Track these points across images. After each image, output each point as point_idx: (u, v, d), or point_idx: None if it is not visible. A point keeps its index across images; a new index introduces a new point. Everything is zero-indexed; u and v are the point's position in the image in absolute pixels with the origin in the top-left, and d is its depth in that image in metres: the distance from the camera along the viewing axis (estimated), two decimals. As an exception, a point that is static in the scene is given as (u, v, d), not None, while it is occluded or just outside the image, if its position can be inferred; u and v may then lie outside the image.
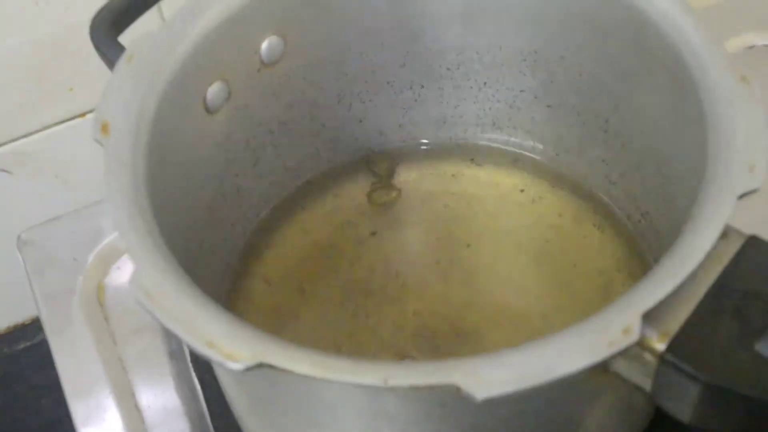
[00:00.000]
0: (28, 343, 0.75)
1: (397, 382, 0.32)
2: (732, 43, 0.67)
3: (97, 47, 0.47)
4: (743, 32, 0.68)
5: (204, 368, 0.55)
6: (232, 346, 0.34)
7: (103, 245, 0.60)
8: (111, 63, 0.46)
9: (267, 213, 0.54)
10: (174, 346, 0.56)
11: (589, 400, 0.40)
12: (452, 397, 0.35)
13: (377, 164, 0.56)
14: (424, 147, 0.57)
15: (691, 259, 0.34)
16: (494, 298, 0.51)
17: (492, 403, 0.32)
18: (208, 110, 0.47)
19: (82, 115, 0.68)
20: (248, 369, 0.33)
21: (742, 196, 0.36)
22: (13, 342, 0.75)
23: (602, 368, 0.36)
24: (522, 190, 0.55)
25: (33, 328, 0.75)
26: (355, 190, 0.56)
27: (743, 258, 0.36)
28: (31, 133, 0.67)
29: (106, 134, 0.40)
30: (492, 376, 0.32)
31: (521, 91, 0.54)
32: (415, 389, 0.32)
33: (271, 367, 0.33)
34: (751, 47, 0.67)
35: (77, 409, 0.54)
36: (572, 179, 0.54)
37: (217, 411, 0.53)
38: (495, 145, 0.56)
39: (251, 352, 0.33)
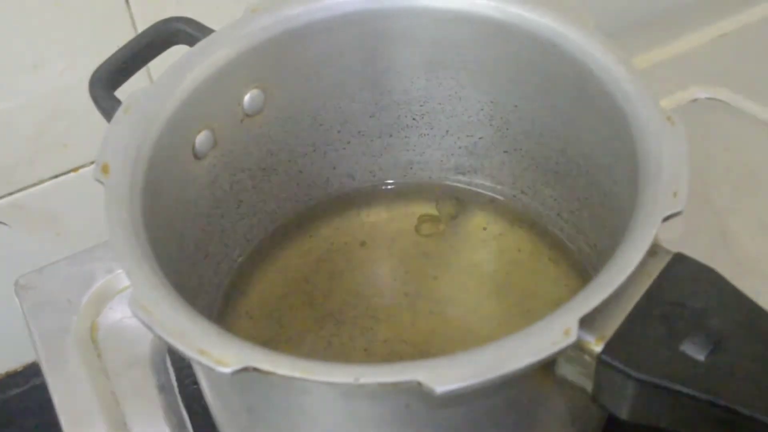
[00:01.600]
0: (20, 390, 0.77)
1: (366, 379, 0.36)
2: (677, 96, 0.72)
3: (95, 100, 0.51)
4: (688, 86, 0.73)
5: (191, 399, 0.58)
6: (221, 353, 0.37)
7: (95, 287, 0.63)
8: (107, 114, 0.50)
9: (249, 251, 0.57)
10: (163, 379, 0.59)
11: (542, 404, 0.43)
12: (417, 398, 0.39)
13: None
14: (393, 190, 0.61)
15: (622, 272, 0.39)
16: (459, 327, 0.55)
17: (451, 399, 0.37)
18: (197, 156, 0.51)
19: (76, 170, 0.70)
20: (235, 372, 0.37)
21: (667, 218, 0.41)
22: (5, 388, 0.77)
23: (550, 372, 0.41)
24: (484, 228, 0.58)
25: (25, 374, 0.77)
26: (328, 230, 0.59)
27: (670, 272, 0.40)
28: (27, 187, 0.69)
29: (106, 174, 0.45)
30: (449, 373, 0.36)
31: (480, 138, 0.58)
32: (383, 386, 0.37)
33: (255, 369, 0.37)
34: (695, 100, 0.72)
35: (73, 441, 0.56)
36: (529, 217, 0.58)
37: (205, 439, 0.56)
38: (458, 186, 0.60)
39: (238, 358, 0.37)
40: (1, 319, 0.71)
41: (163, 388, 0.59)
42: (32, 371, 0.75)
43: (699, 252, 0.60)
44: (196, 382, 0.58)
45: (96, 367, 0.60)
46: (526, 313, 0.55)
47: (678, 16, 0.79)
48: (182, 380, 0.59)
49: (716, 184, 0.66)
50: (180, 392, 0.59)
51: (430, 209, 0.60)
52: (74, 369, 0.60)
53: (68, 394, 0.59)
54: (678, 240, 0.59)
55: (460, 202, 0.60)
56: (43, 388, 0.59)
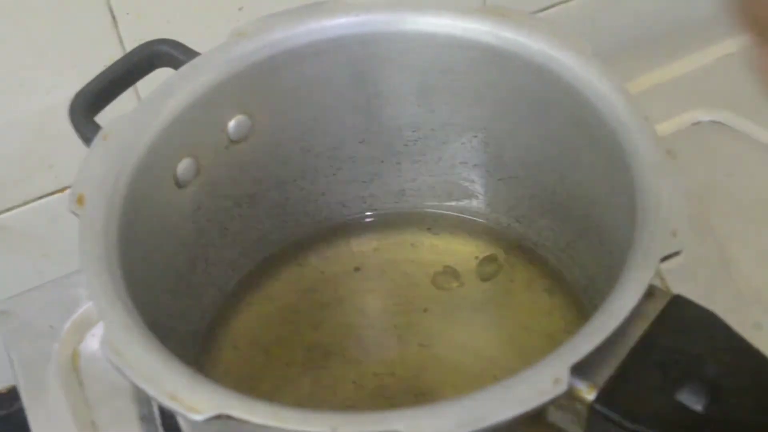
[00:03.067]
0: (4, 413, 0.76)
1: (344, 430, 0.35)
2: (678, 119, 0.71)
3: (75, 126, 0.49)
4: (690, 109, 0.71)
5: (173, 431, 0.57)
6: (193, 399, 0.36)
7: (78, 313, 0.61)
8: (87, 140, 0.48)
9: (235, 281, 0.56)
10: (145, 410, 0.58)
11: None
12: (399, 446, 0.37)
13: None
14: (384, 218, 0.59)
15: (616, 317, 0.37)
16: (449, 361, 0.53)
17: (433, 450, 0.35)
18: (178, 184, 0.49)
19: (62, 190, 0.69)
20: (208, 420, 0.35)
21: (665, 258, 0.39)
22: (-12, 411, 0.76)
23: (540, 419, 0.39)
24: (477, 257, 0.57)
25: (8, 397, 0.76)
26: (317, 260, 0.58)
27: (667, 315, 0.39)
28: (12, 208, 0.68)
29: (81, 205, 0.43)
30: (431, 424, 0.35)
31: (474, 165, 0.56)
32: (361, 437, 0.35)
33: (228, 417, 0.35)
34: (697, 123, 0.71)
35: (51, 472, 0.55)
36: (524, 247, 0.57)
37: (185, 471, 0.54)
38: (451, 214, 0.59)
39: (211, 404, 0.36)
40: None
41: (145, 418, 0.58)
42: (15, 394, 0.73)
43: (700, 282, 0.60)
44: (178, 414, 0.56)
45: (77, 395, 0.59)
46: (518, 346, 0.54)
47: (679, 36, 0.78)
48: (165, 411, 0.58)
49: (718, 210, 0.64)
50: (162, 423, 0.57)
51: (421, 237, 0.58)
52: (54, 397, 0.58)
53: (48, 424, 0.57)
54: (678, 269, 0.57)
55: (451, 230, 0.59)
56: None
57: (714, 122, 0.71)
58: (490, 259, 0.56)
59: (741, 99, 0.71)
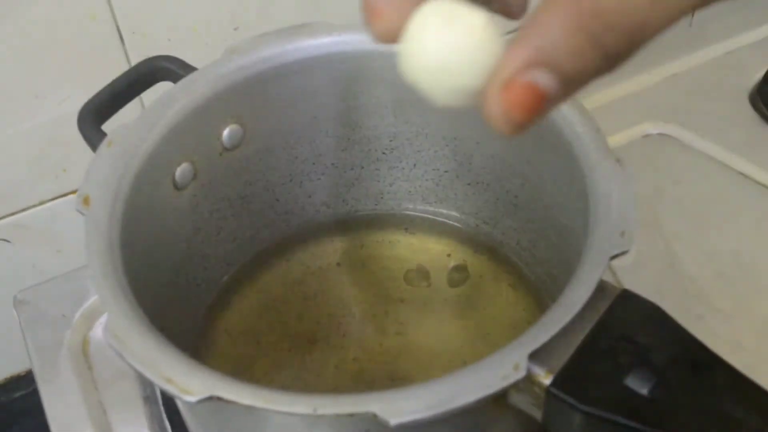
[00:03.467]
0: (23, 393, 0.75)
1: (324, 410, 0.34)
2: (630, 131, 0.70)
3: (84, 134, 0.49)
4: (640, 123, 0.71)
5: (173, 410, 0.56)
6: (187, 382, 0.35)
7: (88, 304, 0.61)
8: (94, 147, 0.48)
9: (229, 275, 0.55)
10: (148, 391, 0.57)
11: (495, 429, 0.42)
12: (373, 425, 0.37)
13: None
14: (365, 217, 0.58)
15: (570, 309, 0.37)
16: (423, 347, 0.53)
17: (404, 429, 0.34)
18: (177, 187, 0.49)
19: (74, 192, 0.68)
20: (200, 401, 0.35)
21: (615, 257, 0.39)
22: (9, 391, 0.75)
23: (502, 401, 0.38)
24: (448, 255, 0.57)
25: (27, 379, 0.75)
26: (304, 255, 0.57)
27: (617, 307, 0.38)
28: (29, 207, 0.67)
29: (87, 206, 0.43)
30: (404, 406, 0.34)
31: (445, 171, 0.56)
32: (339, 417, 0.35)
33: (219, 399, 0.35)
34: (647, 135, 0.70)
35: (63, 448, 0.54)
36: (490, 245, 0.56)
37: (185, 447, 0.54)
38: (425, 216, 0.58)
39: (203, 387, 0.35)
40: (4, 329, 0.69)
41: (148, 399, 0.57)
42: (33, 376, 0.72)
43: (648, 278, 0.59)
44: (177, 395, 0.56)
45: (86, 378, 0.58)
46: (485, 335, 0.53)
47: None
48: (166, 392, 0.57)
49: (665, 215, 0.64)
50: (163, 403, 0.57)
51: (398, 236, 0.58)
52: (66, 380, 0.58)
53: (59, 403, 0.57)
54: (629, 267, 0.57)
55: (425, 229, 0.58)
56: (41, 393, 0.58)
57: (662, 135, 0.70)
58: (460, 269, 0.56)
59: (686, 114, 0.71)
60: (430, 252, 0.57)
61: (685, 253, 0.61)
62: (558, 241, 0.50)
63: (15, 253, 0.69)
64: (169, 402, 0.57)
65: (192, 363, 0.36)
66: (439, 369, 0.52)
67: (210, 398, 0.35)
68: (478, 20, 0.27)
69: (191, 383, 0.35)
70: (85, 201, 0.43)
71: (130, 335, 0.38)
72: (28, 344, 0.60)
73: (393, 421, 0.34)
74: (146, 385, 0.58)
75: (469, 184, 0.55)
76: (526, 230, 0.54)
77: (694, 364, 0.37)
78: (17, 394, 0.76)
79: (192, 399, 0.35)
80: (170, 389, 0.35)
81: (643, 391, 0.36)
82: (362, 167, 0.57)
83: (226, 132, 0.50)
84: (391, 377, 0.52)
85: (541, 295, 0.54)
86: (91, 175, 0.44)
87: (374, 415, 0.34)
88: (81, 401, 0.56)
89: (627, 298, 0.39)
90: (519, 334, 0.51)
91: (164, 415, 0.56)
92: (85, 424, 0.55)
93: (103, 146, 0.45)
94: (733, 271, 0.60)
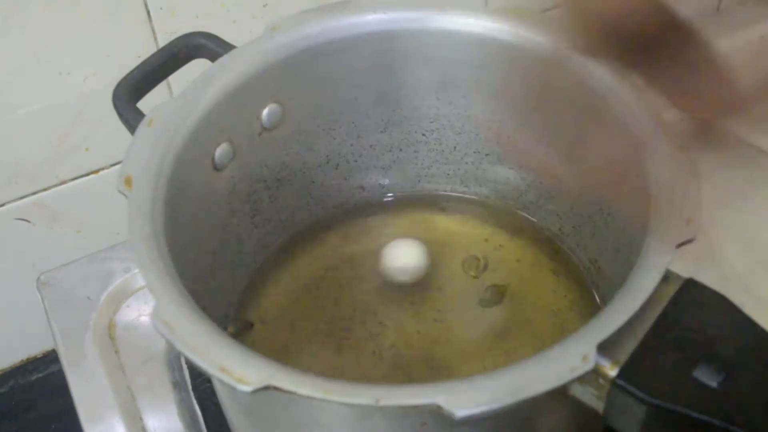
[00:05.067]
0: (41, 375, 0.74)
1: (387, 402, 0.33)
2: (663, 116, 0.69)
3: (119, 112, 0.48)
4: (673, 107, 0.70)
5: (204, 396, 0.55)
6: (242, 371, 0.34)
7: (114, 286, 0.60)
8: (129, 124, 0.47)
9: (263, 259, 0.54)
10: (177, 376, 0.56)
11: (550, 420, 0.40)
12: (433, 417, 0.36)
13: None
14: (401, 201, 0.57)
15: (637, 298, 0.36)
16: (461, 335, 0.51)
17: (469, 421, 0.33)
18: (216, 168, 0.47)
19: (96, 172, 0.67)
20: (256, 391, 0.34)
21: (680, 245, 0.38)
22: (27, 373, 0.74)
23: (563, 392, 0.37)
24: (486, 239, 0.55)
25: (45, 360, 0.74)
26: (339, 239, 0.56)
27: (681, 298, 0.37)
28: (50, 187, 0.66)
29: (129, 187, 0.41)
30: (469, 397, 0.33)
31: (486, 154, 0.55)
32: (403, 408, 0.33)
33: (276, 389, 0.34)
34: (681, 119, 0.69)
35: (90, 432, 0.53)
36: (531, 230, 0.55)
37: (216, 434, 0.53)
38: (464, 197, 0.57)
39: (259, 376, 0.34)
40: (22, 310, 0.68)
41: (177, 384, 0.56)
42: (51, 358, 0.72)
43: (687, 267, 0.58)
44: (209, 380, 0.55)
45: (113, 362, 0.57)
46: (526, 323, 0.52)
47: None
48: (195, 377, 0.56)
49: (703, 201, 0.63)
50: (193, 389, 0.56)
51: (435, 220, 0.56)
52: (92, 364, 0.57)
53: (87, 388, 0.56)
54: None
55: (463, 213, 0.57)
56: (61, 374, 0.57)
57: (696, 119, 0.69)
58: (498, 290, 0.54)
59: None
60: (467, 236, 0.56)
61: (723, 241, 0.60)
62: (605, 228, 0.49)
63: (36, 234, 0.68)
64: (199, 387, 0.56)
65: (246, 351, 0.35)
66: (477, 358, 0.51)
67: (266, 388, 0.34)
68: None
69: (247, 372, 0.34)
70: (127, 182, 0.41)
71: (178, 321, 0.36)
72: (53, 327, 0.59)
73: (459, 413, 0.32)
74: (175, 370, 0.57)
75: (511, 168, 0.54)
76: (570, 216, 0.52)
77: (764, 356, 0.36)
78: (35, 377, 0.75)
79: (248, 389, 0.34)
80: (224, 378, 0.34)
81: (713, 384, 0.35)
82: (401, 149, 0.55)
83: (265, 112, 0.49)
84: (429, 365, 0.50)
85: (583, 281, 0.53)
86: (132, 155, 0.42)
87: (439, 407, 0.33)
88: (108, 386, 0.56)
89: (692, 287, 0.38)
90: (562, 321, 0.52)
91: (194, 401, 0.55)
92: (114, 409, 0.55)
93: (143, 125, 0.44)
94: (772, 258, 0.60)
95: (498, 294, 0.53)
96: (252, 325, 0.52)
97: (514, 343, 0.51)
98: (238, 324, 0.51)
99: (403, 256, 0.52)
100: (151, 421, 0.54)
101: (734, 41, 0.76)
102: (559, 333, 0.50)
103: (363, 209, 0.57)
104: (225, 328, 0.50)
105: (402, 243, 0.53)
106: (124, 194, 0.41)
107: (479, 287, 0.53)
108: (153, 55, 0.50)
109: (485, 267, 0.54)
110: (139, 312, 0.60)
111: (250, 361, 0.35)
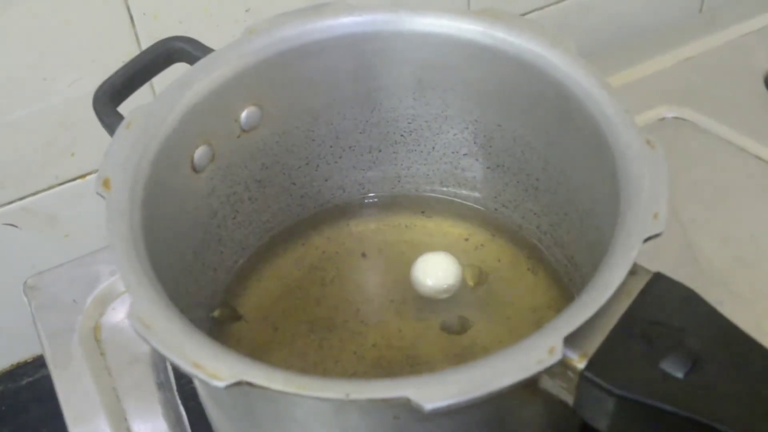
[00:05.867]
0: (30, 379, 0.75)
1: (357, 396, 0.34)
2: (646, 115, 0.70)
3: (99, 115, 0.48)
4: (656, 106, 0.70)
5: (188, 396, 0.55)
6: (216, 367, 0.35)
7: (99, 289, 0.60)
8: (110, 128, 0.47)
9: (244, 259, 0.54)
10: (162, 377, 0.57)
11: (524, 414, 0.41)
12: (405, 410, 0.36)
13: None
14: (381, 202, 0.58)
15: (604, 292, 0.36)
16: (442, 333, 0.52)
17: (438, 414, 0.34)
18: (195, 169, 0.48)
19: (83, 176, 0.68)
20: (229, 386, 0.34)
21: (647, 239, 0.38)
22: (17, 377, 0.74)
23: (533, 385, 0.38)
24: (466, 239, 0.56)
25: (35, 365, 0.75)
26: (320, 240, 0.56)
27: (649, 291, 0.38)
28: (37, 192, 0.67)
29: (107, 189, 0.42)
30: (438, 390, 0.34)
31: (464, 154, 0.55)
32: (372, 401, 0.34)
33: (249, 384, 0.34)
34: (662, 119, 0.70)
35: (76, 434, 0.54)
36: (509, 229, 0.55)
37: (200, 434, 0.53)
38: (443, 199, 0.57)
39: (232, 372, 0.34)
40: (11, 314, 0.68)
41: (162, 385, 0.57)
42: (41, 362, 0.72)
43: (665, 263, 0.58)
44: (192, 381, 0.55)
45: (99, 364, 0.58)
46: (505, 319, 0.53)
47: (647, 40, 0.77)
48: (180, 378, 0.57)
49: (682, 199, 0.64)
50: (178, 389, 0.56)
51: (415, 220, 0.57)
52: (78, 366, 0.57)
53: (72, 390, 0.56)
54: (645, 251, 0.56)
55: (443, 213, 0.57)
56: (51, 379, 0.57)
57: (677, 118, 0.70)
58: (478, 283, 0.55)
59: (702, 98, 0.71)
60: (448, 236, 0.56)
61: (701, 237, 0.61)
62: (581, 226, 0.49)
63: (23, 238, 0.68)
64: (183, 388, 0.56)
65: (220, 347, 0.36)
66: (458, 355, 0.51)
67: (239, 383, 0.34)
68: None
69: (220, 368, 0.35)
70: (105, 183, 0.42)
71: (155, 320, 0.37)
72: (40, 330, 0.59)
73: (428, 407, 0.33)
74: (160, 371, 0.57)
75: (489, 167, 0.55)
76: (547, 214, 0.53)
77: (731, 349, 0.36)
78: (24, 381, 0.75)
79: (221, 384, 0.34)
80: (198, 374, 0.35)
81: (679, 374, 0.35)
82: (380, 150, 0.56)
83: (244, 114, 0.50)
84: (411, 363, 0.51)
85: (561, 279, 0.53)
86: (111, 157, 0.43)
87: (408, 400, 0.33)
88: (94, 388, 0.56)
89: (660, 280, 0.38)
90: (540, 319, 0.52)
91: (179, 402, 0.56)
92: (99, 411, 0.55)
93: (121, 128, 0.44)
94: (751, 255, 0.60)
95: (478, 288, 0.54)
96: (240, 316, 0.52)
97: (492, 341, 0.51)
98: (225, 310, 0.51)
99: (446, 278, 0.52)
100: (136, 421, 0.55)
101: (717, 41, 0.77)
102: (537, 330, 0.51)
103: (344, 210, 0.57)
104: (209, 315, 0.50)
105: (443, 260, 0.52)
106: (102, 196, 0.42)
107: (461, 284, 0.54)
108: (132, 60, 0.50)
109: (480, 275, 0.54)
110: (124, 314, 0.60)
111: (223, 358, 0.35)
